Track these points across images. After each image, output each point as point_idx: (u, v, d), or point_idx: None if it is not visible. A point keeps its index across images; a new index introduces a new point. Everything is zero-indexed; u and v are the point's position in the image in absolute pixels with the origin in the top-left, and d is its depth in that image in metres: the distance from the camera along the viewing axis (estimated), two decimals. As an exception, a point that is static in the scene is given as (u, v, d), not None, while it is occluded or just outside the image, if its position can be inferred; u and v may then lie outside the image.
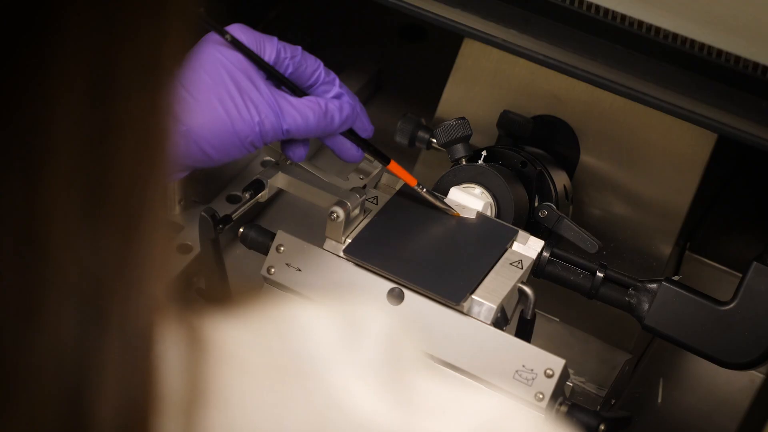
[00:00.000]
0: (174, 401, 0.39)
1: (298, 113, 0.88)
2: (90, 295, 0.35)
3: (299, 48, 0.92)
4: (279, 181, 1.00)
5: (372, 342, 0.46)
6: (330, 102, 0.91)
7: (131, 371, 0.37)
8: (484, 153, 1.02)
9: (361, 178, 1.00)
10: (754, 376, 1.09)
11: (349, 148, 0.94)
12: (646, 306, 0.93)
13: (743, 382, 1.09)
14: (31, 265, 0.33)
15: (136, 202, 0.36)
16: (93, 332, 0.35)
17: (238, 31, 0.88)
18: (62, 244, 0.34)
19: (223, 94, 0.86)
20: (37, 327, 0.34)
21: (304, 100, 0.90)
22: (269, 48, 0.89)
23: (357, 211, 0.96)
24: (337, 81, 0.93)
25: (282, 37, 0.92)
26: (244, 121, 0.86)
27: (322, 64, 0.92)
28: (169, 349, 0.39)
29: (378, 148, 0.95)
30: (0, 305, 0.33)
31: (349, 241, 0.95)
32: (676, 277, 0.96)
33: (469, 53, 1.13)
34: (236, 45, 0.87)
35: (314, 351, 0.45)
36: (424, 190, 0.96)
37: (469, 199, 0.98)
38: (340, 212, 0.94)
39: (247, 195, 0.97)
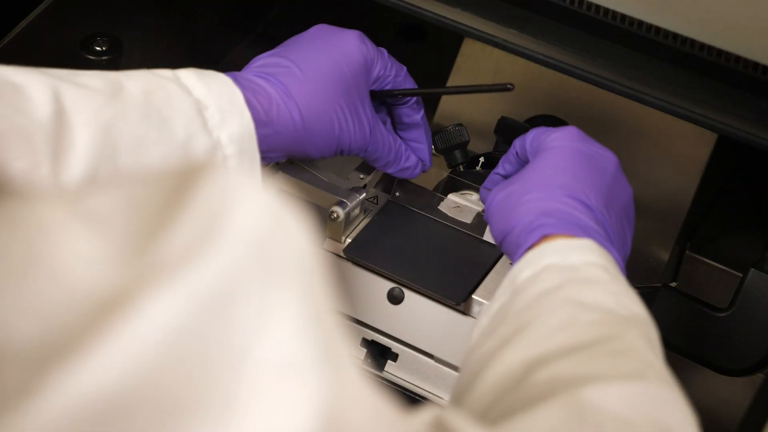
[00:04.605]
0: None
1: (383, 145, 0.92)
2: None
3: (404, 68, 0.94)
4: (279, 181, 1.00)
5: None
6: (407, 149, 0.95)
7: None
8: (482, 159, 1.02)
9: (362, 178, 0.99)
10: (755, 376, 1.08)
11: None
12: (643, 313, 0.93)
13: (743, 381, 1.09)
14: None
15: None
16: None
17: (357, 39, 0.91)
18: None
19: (338, 110, 0.87)
20: None
21: (392, 136, 0.93)
22: (380, 64, 0.92)
23: (357, 211, 0.96)
24: (422, 111, 0.96)
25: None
26: (346, 135, 0.88)
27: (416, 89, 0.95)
28: None
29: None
30: None
31: (349, 241, 0.95)
32: (673, 284, 0.96)
33: (469, 53, 1.13)
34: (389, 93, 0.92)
35: None
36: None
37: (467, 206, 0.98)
38: (340, 212, 0.94)
39: (247, 195, 0.97)
